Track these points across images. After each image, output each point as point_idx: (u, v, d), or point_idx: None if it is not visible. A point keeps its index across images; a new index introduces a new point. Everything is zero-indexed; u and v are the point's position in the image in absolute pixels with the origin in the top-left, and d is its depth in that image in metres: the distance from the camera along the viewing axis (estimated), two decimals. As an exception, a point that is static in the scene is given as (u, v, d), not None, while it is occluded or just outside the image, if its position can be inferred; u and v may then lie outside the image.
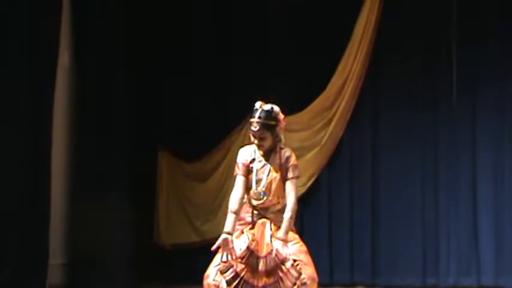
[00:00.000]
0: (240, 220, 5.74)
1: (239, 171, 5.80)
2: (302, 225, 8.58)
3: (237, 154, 5.95)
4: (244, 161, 5.81)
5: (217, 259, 5.62)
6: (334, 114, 8.98)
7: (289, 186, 5.74)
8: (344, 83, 8.96)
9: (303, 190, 8.94)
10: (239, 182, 5.76)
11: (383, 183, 9.04)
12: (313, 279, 5.58)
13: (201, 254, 9.06)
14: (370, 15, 8.89)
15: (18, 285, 7.41)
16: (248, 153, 5.82)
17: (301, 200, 8.98)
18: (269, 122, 5.72)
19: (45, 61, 7.81)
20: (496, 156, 8.85)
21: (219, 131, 9.19)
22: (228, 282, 5.55)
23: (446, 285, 8.82)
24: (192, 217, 9.34)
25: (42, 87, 7.79)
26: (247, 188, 5.77)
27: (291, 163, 5.75)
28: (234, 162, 8.93)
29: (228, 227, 5.59)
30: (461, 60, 8.92)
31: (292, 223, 5.72)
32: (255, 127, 5.71)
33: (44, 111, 7.81)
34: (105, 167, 8.52)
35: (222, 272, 5.57)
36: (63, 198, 8.45)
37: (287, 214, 5.66)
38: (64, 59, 8.40)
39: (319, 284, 5.74)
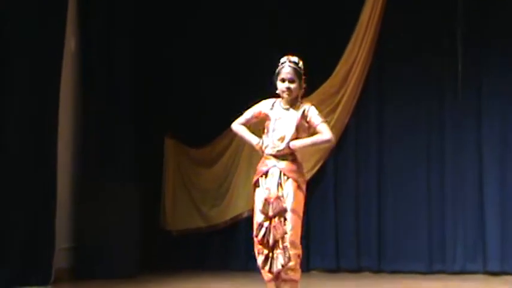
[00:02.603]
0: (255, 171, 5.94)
1: (252, 109, 6.02)
2: (308, 211, 8.56)
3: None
4: (260, 109, 5.97)
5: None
6: (340, 101, 8.98)
7: (320, 130, 5.82)
8: (350, 70, 8.96)
9: (309, 175, 8.94)
10: (246, 113, 6.02)
11: (389, 169, 9.05)
12: (293, 244, 5.69)
13: (208, 240, 9.11)
14: (375, 2, 8.87)
15: (25, 270, 7.46)
16: (267, 104, 5.96)
17: (307, 185, 9.00)
18: (299, 69, 5.88)
19: (52, 46, 7.83)
20: (502, 141, 8.84)
21: (225, 117, 9.17)
22: (261, 242, 5.72)
23: (452, 271, 8.82)
24: (198, 203, 9.35)
25: (49, 72, 7.81)
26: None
27: (310, 113, 5.84)
28: (240, 147, 9.03)
29: (253, 137, 5.96)
30: (467, 45, 8.90)
31: (311, 145, 5.88)
32: (287, 70, 5.84)
33: (51, 95, 7.83)
34: (112, 153, 8.55)
35: (257, 236, 5.74)
36: (70, 183, 8.47)
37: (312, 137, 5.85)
38: (70, 44, 8.41)
39: (302, 252, 5.85)
